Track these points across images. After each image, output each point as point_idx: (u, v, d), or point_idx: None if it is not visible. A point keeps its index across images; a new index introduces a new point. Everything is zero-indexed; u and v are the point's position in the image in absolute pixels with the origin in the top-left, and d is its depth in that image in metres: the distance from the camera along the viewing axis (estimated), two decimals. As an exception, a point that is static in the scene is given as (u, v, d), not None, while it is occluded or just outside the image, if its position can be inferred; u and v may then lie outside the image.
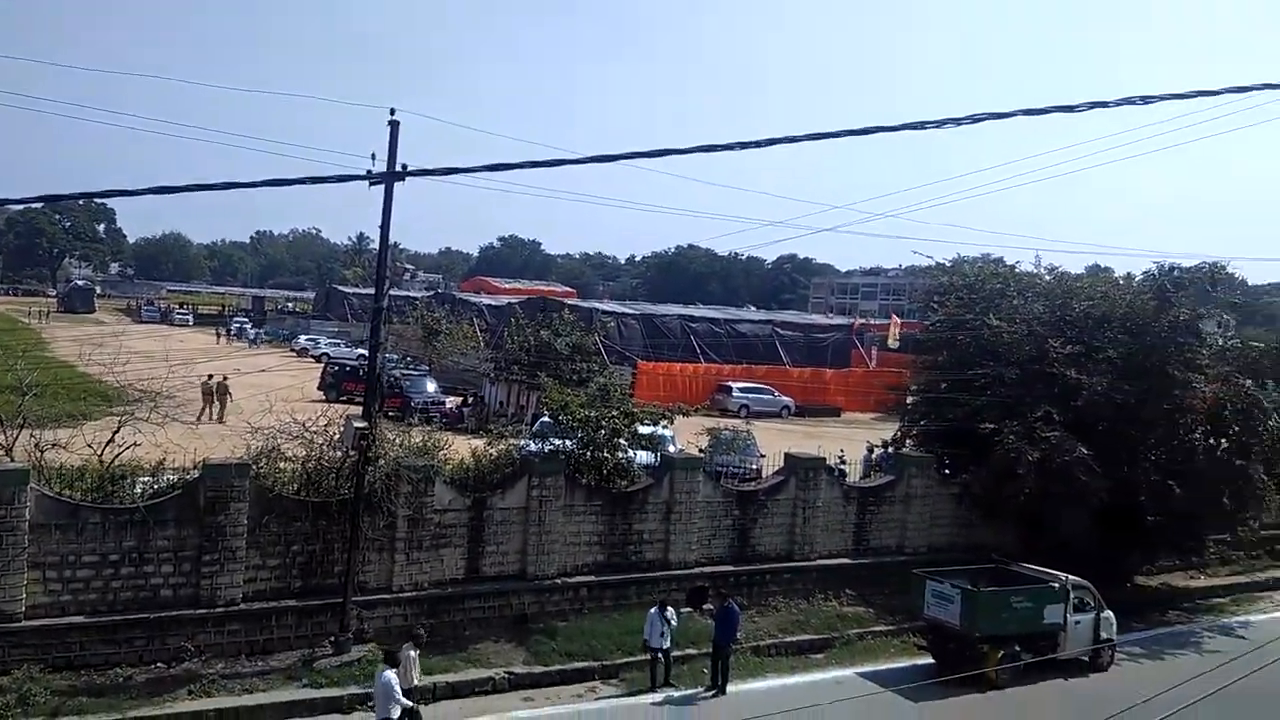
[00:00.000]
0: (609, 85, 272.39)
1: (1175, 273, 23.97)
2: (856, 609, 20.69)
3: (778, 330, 56.64)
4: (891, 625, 19.88)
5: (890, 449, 25.79)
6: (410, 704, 13.32)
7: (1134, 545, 23.13)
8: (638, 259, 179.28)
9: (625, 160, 5.71)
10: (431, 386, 40.42)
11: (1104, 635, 18.81)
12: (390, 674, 13.09)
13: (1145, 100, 5.98)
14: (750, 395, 46.64)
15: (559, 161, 5.36)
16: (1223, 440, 23.11)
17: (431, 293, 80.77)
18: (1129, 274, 25.92)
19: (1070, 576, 18.73)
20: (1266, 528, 26.91)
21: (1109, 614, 18.97)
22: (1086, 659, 18.63)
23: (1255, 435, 22.72)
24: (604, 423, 20.00)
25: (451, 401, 39.82)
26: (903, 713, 16.14)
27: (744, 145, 5.39)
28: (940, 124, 6.02)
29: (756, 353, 53.21)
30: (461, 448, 20.08)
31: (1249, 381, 23.30)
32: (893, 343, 53.58)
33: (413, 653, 14.02)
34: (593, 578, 18.95)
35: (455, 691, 15.54)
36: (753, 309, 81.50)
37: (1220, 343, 25.09)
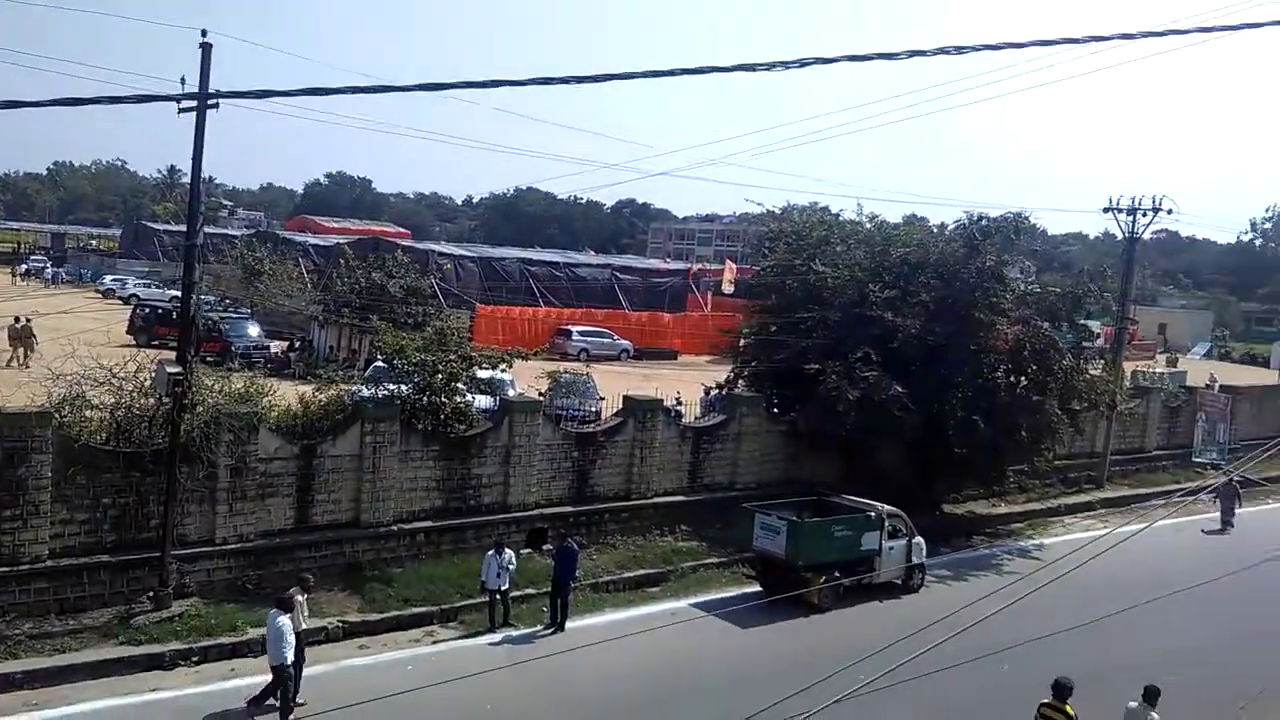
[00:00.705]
0: (447, 16, 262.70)
1: (983, 222, 25.49)
2: (691, 543, 21.52)
3: (617, 274, 57.10)
4: (723, 558, 20.81)
5: (724, 390, 26.71)
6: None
7: (943, 476, 25.04)
8: (476, 201, 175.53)
9: (456, 90, 5.61)
10: (254, 330, 38.52)
11: (915, 559, 20.33)
12: (284, 619, 13.00)
13: (959, 50, 6.29)
14: (590, 339, 46.98)
15: (383, 88, 5.20)
16: (1022, 378, 25.04)
17: (252, 231, 76.29)
18: (943, 223, 27.63)
19: (885, 506, 20.11)
20: (1060, 458, 29.49)
21: (920, 540, 20.49)
22: (900, 581, 20.13)
23: (1051, 373, 24.69)
24: (441, 367, 19.75)
25: (277, 346, 38.13)
26: (733, 637, 17.05)
27: (557, 81, 5.40)
28: (769, 67, 6.21)
29: (596, 297, 53.53)
30: (289, 394, 19.38)
31: (1046, 324, 25.23)
32: (727, 288, 55.16)
33: (300, 597, 13.89)
34: (430, 523, 18.87)
35: (286, 643, 15.18)
36: (592, 253, 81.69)
37: (1022, 288, 27.03)
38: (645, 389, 25.71)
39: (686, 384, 30.43)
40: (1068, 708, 11.88)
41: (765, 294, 27.22)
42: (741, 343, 28.48)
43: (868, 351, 22.87)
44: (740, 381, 26.58)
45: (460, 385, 20.05)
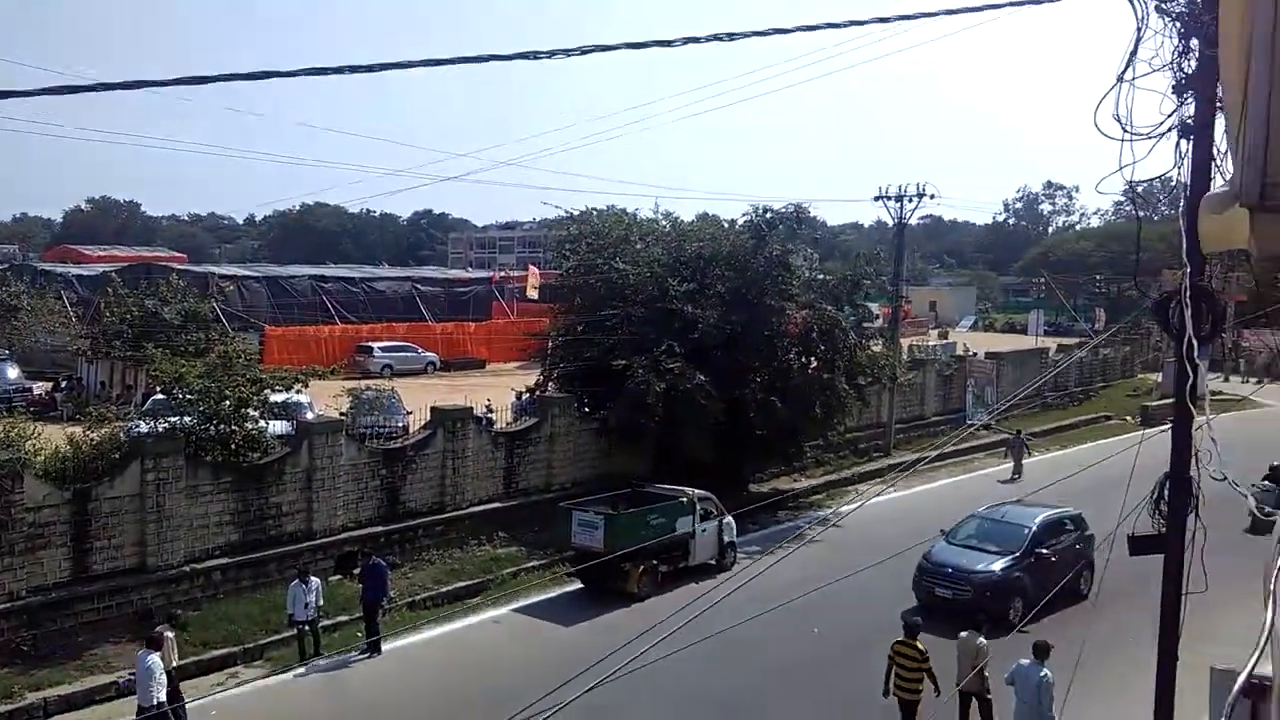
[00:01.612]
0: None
1: (768, 214, 26.60)
2: (510, 549, 21.23)
3: (417, 286, 55.63)
4: (544, 560, 20.67)
5: (534, 393, 26.55)
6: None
7: (748, 456, 25.96)
8: (259, 219, 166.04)
9: (219, 98, 5.10)
10: (12, 372, 34.75)
11: (727, 539, 20.96)
12: (154, 657, 12.49)
13: (731, 37, 6.30)
14: (393, 354, 45.48)
15: (80, 88, 4.63)
16: (813, 358, 26.36)
17: (6, 265, 68.87)
18: (733, 220, 28.61)
19: (696, 490, 20.62)
20: (851, 430, 31.30)
21: (730, 519, 21.12)
22: (713, 562, 20.68)
23: (838, 352, 26.12)
24: (228, 393, 18.48)
25: (40, 387, 34.56)
26: (557, 637, 16.93)
27: (330, 72, 5.10)
28: (550, 54, 6.09)
29: (397, 310, 51.92)
30: (57, 437, 17.58)
31: (830, 307, 26.66)
32: (532, 293, 54.75)
33: (169, 634, 13.37)
34: (227, 559, 17.64)
35: (70, 705, 13.82)
36: (388, 267, 79.16)
37: (807, 274, 28.39)
38: (454, 399, 25.15)
39: (496, 391, 30.06)
40: (918, 644, 13.12)
41: (570, 295, 27.29)
42: (549, 345, 28.42)
43: (671, 344, 23.39)
44: (550, 384, 26.51)
45: (252, 411, 18.85)
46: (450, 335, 50.82)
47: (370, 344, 45.64)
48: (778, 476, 28.68)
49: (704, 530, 20.31)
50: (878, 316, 39.46)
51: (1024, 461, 30.66)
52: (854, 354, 26.70)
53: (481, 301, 58.01)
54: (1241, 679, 1.65)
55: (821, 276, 29.07)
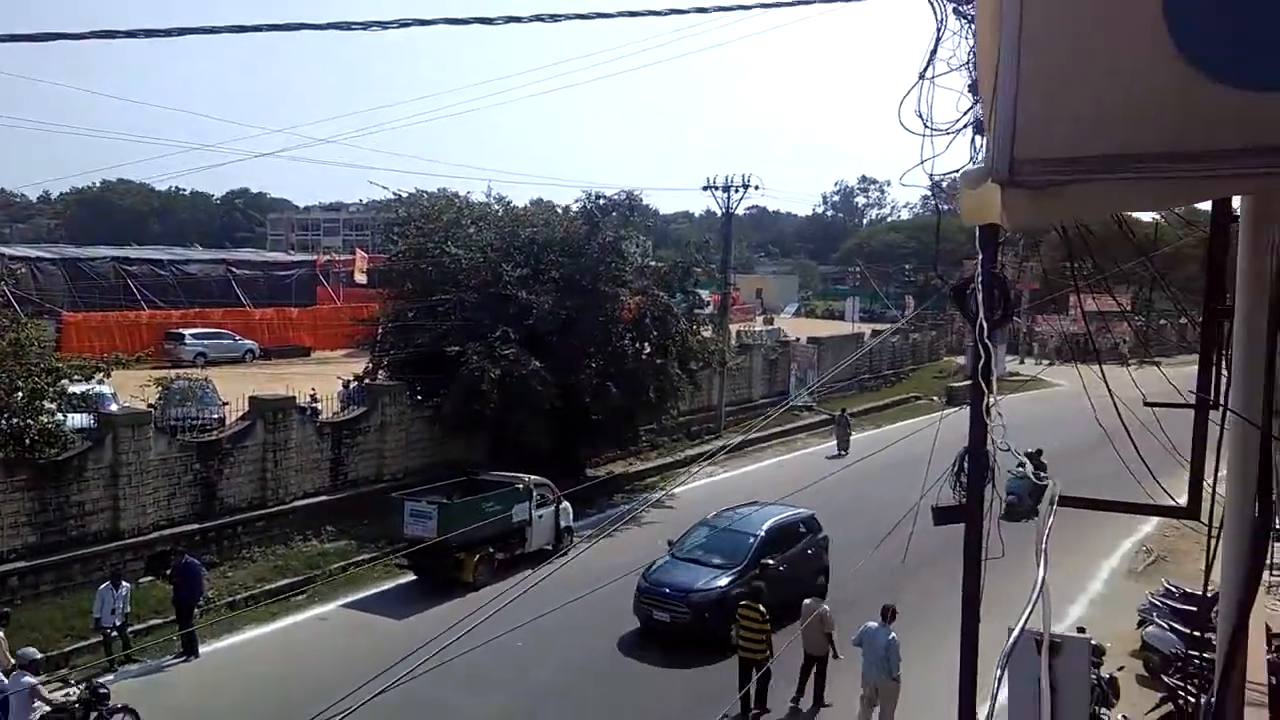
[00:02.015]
0: None
1: (601, 201, 26.82)
2: (338, 543, 20.52)
3: (233, 270, 52.46)
4: (375, 552, 20.05)
5: (363, 381, 25.68)
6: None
7: (583, 441, 26.13)
8: (55, 197, 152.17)
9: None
10: None
11: (563, 524, 21.05)
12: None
13: (554, 18, 6.21)
14: (207, 341, 42.76)
15: None
16: (646, 344, 26.74)
17: None
18: (567, 206, 28.67)
19: (532, 476, 20.56)
20: (683, 414, 32.03)
21: (566, 505, 21.22)
22: (550, 547, 20.70)
23: (670, 338, 26.64)
24: (20, 384, 16.90)
25: None
26: (388, 631, 16.49)
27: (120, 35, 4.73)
28: (365, 26, 5.88)
29: (211, 295, 48.79)
30: None
31: (663, 293, 27.12)
32: (360, 277, 52.86)
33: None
34: (24, 563, 16.21)
35: None
36: (200, 249, 74.33)
37: (640, 261, 28.77)
38: (276, 388, 23.95)
39: (323, 379, 28.81)
40: (760, 606, 13.83)
41: (399, 280, 26.54)
42: (379, 332, 27.52)
43: (506, 330, 23.21)
44: (380, 371, 25.72)
45: (48, 404, 17.32)
46: (271, 321, 48.29)
47: (181, 331, 42.74)
48: (614, 460, 28.99)
49: (540, 516, 20.30)
50: (708, 303, 40.54)
51: (850, 438, 32.32)
52: (686, 339, 27.25)
53: (305, 286, 55.42)
54: (1015, 633, 1.80)
55: (654, 264, 29.56)
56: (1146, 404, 6.13)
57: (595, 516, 24.23)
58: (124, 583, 15.14)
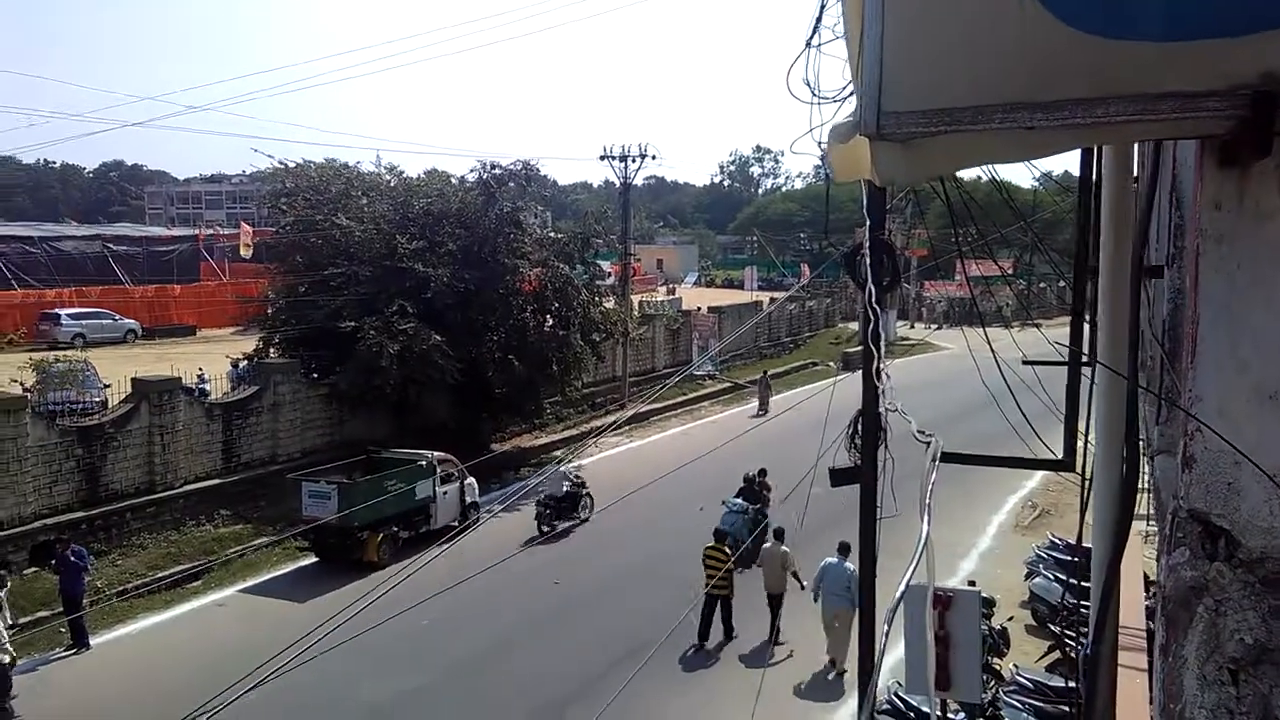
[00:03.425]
0: None
1: (497, 171, 26.38)
2: (234, 527, 19.90)
3: (109, 246, 49.80)
4: (273, 536, 19.54)
5: (254, 360, 24.81)
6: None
7: (487, 415, 25.98)
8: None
9: None
10: None
11: (469, 500, 20.81)
12: None
13: None
14: (85, 321, 40.51)
15: None
16: (548, 316, 26.64)
17: None
18: (462, 177, 28.11)
19: (436, 453, 20.27)
20: (588, 386, 32.01)
21: (471, 480, 20.95)
22: (456, 524, 20.47)
23: (572, 309, 26.54)
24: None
25: None
26: (289, 615, 16.10)
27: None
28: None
29: (86, 273, 46.30)
30: None
31: (564, 265, 26.99)
32: (245, 251, 50.84)
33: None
34: (-115, 562, 15.15)
35: None
36: (75, 224, 70.29)
37: (539, 232, 28.63)
38: (160, 369, 22.97)
39: (211, 359, 27.76)
40: (725, 547, 15.04)
41: (289, 254, 25.66)
42: (269, 308, 26.60)
43: (403, 304, 22.78)
44: (272, 349, 24.88)
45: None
46: (152, 300, 46.11)
47: (57, 311, 40.45)
48: (519, 434, 28.86)
49: (445, 493, 20.06)
50: (609, 274, 40.61)
51: (770, 399, 33.34)
52: (588, 311, 27.22)
53: (187, 262, 53.07)
54: (901, 588, 1.89)
55: (554, 235, 29.39)
56: (1025, 362, 6.44)
57: (501, 490, 24.12)
58: (7, 580, 14.35)
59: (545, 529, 19.96)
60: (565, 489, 20.81)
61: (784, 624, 14.43)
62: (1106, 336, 2.33)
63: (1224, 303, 1.84)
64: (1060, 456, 5.28)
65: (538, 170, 28.31)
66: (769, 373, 36.19)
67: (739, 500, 18.79)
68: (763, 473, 20.04)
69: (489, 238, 25.00)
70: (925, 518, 2.82)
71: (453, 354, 22.88)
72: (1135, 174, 2.99)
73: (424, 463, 19.72)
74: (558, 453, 28.76)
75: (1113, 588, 2.49)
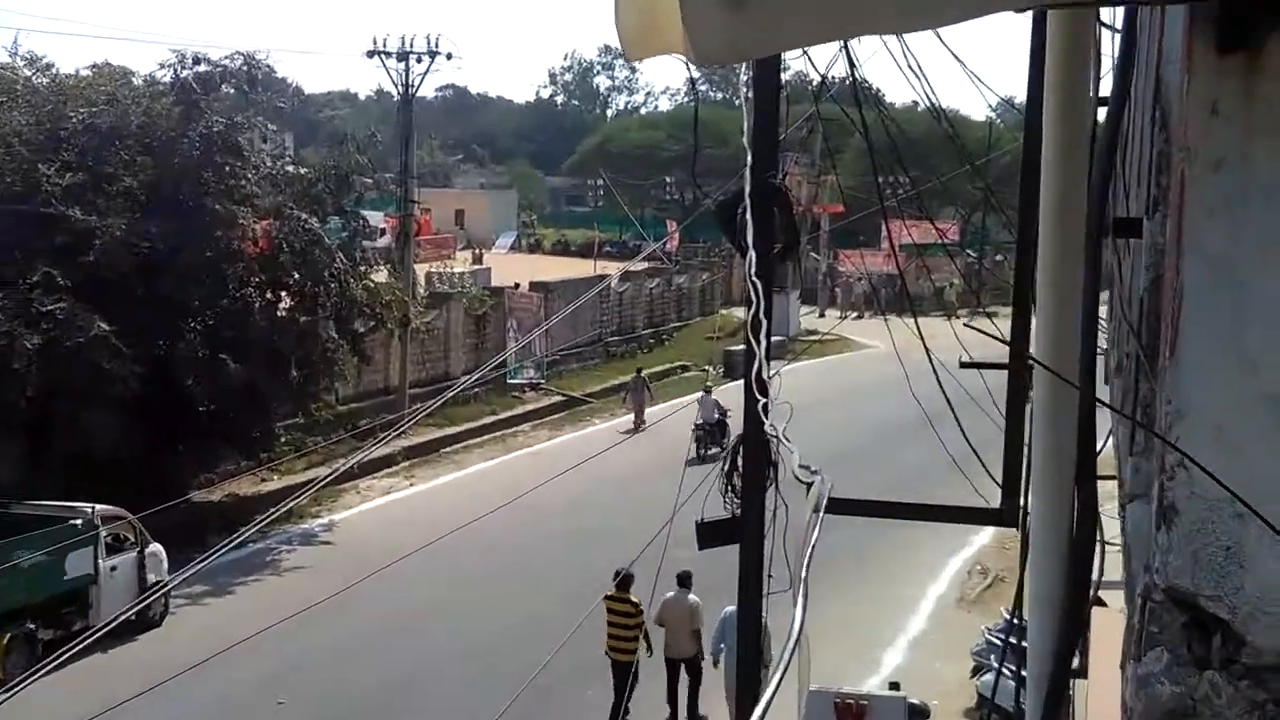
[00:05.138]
0: None
1: (204, 67, 25.80)
2: None
3: None
4: None
5: None
6: None
7: (184, 446, 25.50)
8: None
9: None
10: None
11: (153, 578, 20.18)
12: None
13: None
14: None
15: None
16: (284, 292, 26.41)
17: None
18: (150, 76, 27.30)
19: (100, 506, 19.71)
20: (346, 400, 31.50)
21: (157, 548, 20.52)
22: (134, 618, 19.61)
23: (321, 282, 26.23)
24: None
25: None
26: None
27: None
28: None
29: None
30: None
31: (309, 216, 26.55)
32: None
33: None
34: None
35: None
36: None
37: (271, 165, 28.01)
38: None
39: None
40: (631, 596, 16.20)
41: None
42: None
43: (49, 272, 22.36)
44: None
45: None
46: None
47: None
48: (236, 475, 27.94)
49: (114, 568, 19.66)
50: (381, 231, 39.93)
51: (647, 408, 34.31)
52: (346, 286, 26.94)
53: None
54: (794, 698, 1.75)
55: (294, 169, 29.02)
56: (964, 365, 6.59)
57: (207, 564, 23.15)
58: None
59: (703, 452, 27.21)
60: (716, 417, 29.55)
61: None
62: (1048, 324, 2.28)
63: (1222, 265, 1.80)
64: (997, 505, 5.36)
65: (269, 69, 27.77)
66: (645, 373, 36.74)
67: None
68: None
69: (190, 171, 24.65)
70: (798, 597, 2.72)
71: (129, 351, 22.35)
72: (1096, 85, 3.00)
73: (80, 522, 19.18)
74: (299, 502, 28.01)
75: (1060, 694, 2.46)
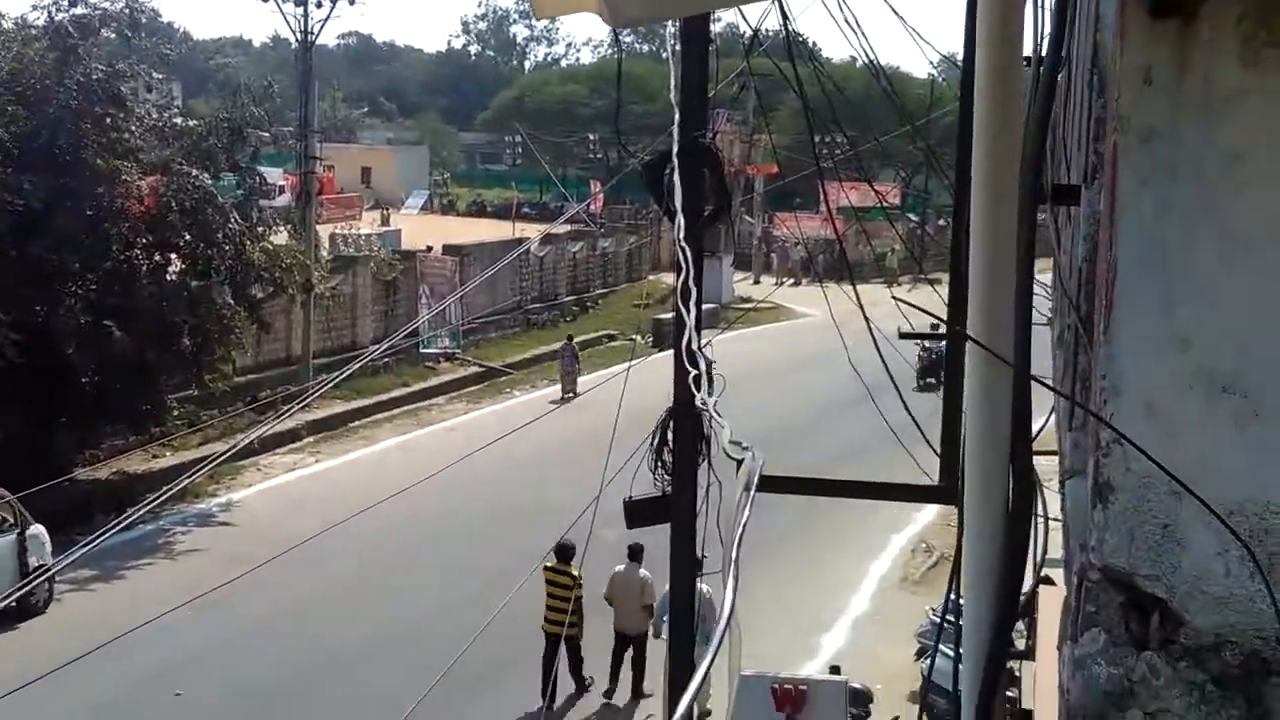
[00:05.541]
0: None
1: (81, 10, 25.43)
2: None
3: None
4: None
5: None
6: None
7: (66, 420, 25.29)
8: None
9: None
10: None
11: (35, 562, 19.91)
12: None
13: None
14: None
15: None
16: (173, 256, 26.15)
17: None
18: (21, 18, 26.93)
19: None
20: (244, 371, 31.15)
21: (39, 530, 20.32)
22: (14, 603, 19.41)
23: (215, 244, 26.05)
24: None
25: None
26: None
27: None
28: None
29: None
30: None
31: (200, 172, 26.35)
32: None
33: None
34: None
35: None
36: None
37: (156, 117, 27.60)
38: None
39: None
40: (571, 569, 16.42)
41: None
42: None
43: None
44: None
45: None
46: None
47: None
48: (125, 452, 27.63)
49: (-11, 552, 19.31)
50: (280, 189, 39.47)
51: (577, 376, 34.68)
52: (242, 248, 26.80)
53: None
54: (725, 681, 1.80)
55: (183, 121, 28.69)
56: (903, 336, 6.71)
57: (93, 546, 22.90)
58: None
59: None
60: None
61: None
62: (981, 296, 2.31)
63: (1154, 238, 1.84)
64: (936, 483, 5.48)
65: (154, 12, 27.44)
66: (575, 340, 37.08)
67: None
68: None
69: (67, 122, 24.28)
70: (729, 579, 2.78)
71: (3, 318, 22.16)
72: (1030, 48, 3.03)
73: (-51, 504, 18.84)
74: (194, 480, 27.73)
75: (997, 675, 2.52)
